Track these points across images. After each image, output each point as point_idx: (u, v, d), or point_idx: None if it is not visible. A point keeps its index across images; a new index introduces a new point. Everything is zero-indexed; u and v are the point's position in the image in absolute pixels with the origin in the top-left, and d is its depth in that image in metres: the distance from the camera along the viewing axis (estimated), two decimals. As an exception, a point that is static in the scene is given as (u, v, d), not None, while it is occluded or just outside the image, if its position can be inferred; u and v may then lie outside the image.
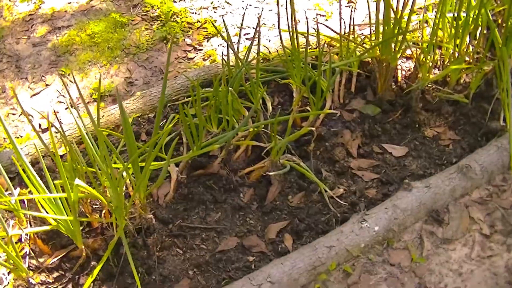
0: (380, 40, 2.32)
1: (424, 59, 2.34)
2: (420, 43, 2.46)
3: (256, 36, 2.32)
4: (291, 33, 2.30)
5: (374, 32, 2.41)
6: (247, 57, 2.38)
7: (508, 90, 2.25)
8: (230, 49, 2.39)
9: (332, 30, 2.56)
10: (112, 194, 1.87)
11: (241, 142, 2.25)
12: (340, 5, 2.38)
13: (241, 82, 2.34)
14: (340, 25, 2.44)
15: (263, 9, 3.15)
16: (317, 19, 2.99)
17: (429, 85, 2.47)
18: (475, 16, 2.34)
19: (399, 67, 2.54)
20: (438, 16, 2.27)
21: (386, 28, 2.26)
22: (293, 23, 2.27)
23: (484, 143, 2.27)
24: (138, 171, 1.91)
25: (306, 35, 2.50)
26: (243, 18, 2.46)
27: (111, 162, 1.85)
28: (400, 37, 2.25)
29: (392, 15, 2.23)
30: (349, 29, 2.45)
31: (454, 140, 2.32)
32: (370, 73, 2.52)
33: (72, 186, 1.66)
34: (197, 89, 2.06)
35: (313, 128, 2.23)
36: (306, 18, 2.67)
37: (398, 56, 2.31)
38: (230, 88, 2.18)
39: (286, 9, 2.27)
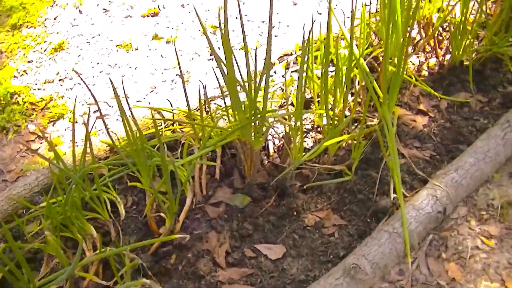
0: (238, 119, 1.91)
1: (292, 137, 1.95)
2: (286, 117, 2.01)
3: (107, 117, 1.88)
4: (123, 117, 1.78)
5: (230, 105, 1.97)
6: (83, 160, 1.93)
7: (395, 155, 1.89)
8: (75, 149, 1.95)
9: (177, 121, 2.12)
10: None
11: (86, 275, 1.82)
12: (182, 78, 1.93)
13: (81, 189, 1.92)
14: (186, 98, 1.98)
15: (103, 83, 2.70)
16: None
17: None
18: (346, 72, 1.96)
19: (269, 137, 2.15)
20: (304, 77, 1.86)
21: (238, 113, 1.84)
22: (126, 101, 1.78)
23: (375, 225, 1.91)
24: None
25: (159, 112, 2.08)
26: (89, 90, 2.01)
27: None
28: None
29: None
30: (201, 103, 2.04)
31: (339, 226, 1.94)
32: (236, 151, 2.10)
33: None
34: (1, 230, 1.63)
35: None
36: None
37: (261, 139, 1.90)
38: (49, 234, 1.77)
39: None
